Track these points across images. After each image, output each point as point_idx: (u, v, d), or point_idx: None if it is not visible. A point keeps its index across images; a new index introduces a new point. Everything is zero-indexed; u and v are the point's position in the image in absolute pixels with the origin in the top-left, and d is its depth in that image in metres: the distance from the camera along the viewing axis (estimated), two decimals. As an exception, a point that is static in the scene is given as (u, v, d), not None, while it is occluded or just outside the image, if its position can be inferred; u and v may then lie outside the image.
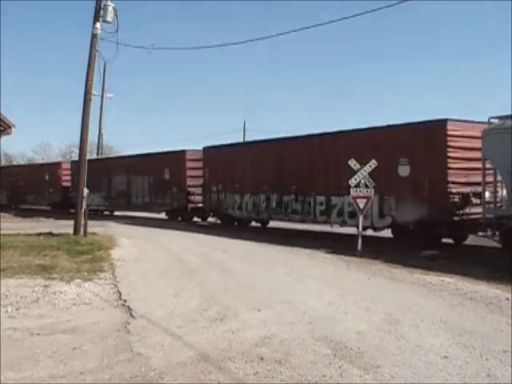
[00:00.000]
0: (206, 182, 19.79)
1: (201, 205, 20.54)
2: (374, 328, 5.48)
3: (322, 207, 15.10)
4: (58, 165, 30.77)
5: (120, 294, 7.16)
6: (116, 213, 26.92)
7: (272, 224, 18.66)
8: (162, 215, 22.82)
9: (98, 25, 14.18)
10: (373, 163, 11.77)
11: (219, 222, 19.95)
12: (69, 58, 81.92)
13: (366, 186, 11.82)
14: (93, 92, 15.05)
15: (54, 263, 9.25)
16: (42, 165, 35.00)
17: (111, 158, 31.61)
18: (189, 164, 20.98)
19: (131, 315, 6.03)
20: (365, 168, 11.84)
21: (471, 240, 12.44)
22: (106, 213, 27.05)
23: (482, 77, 68.65)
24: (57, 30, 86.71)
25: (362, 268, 9.43)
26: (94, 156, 32.93)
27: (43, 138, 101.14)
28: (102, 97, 32.31)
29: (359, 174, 11.82)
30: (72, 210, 27.21)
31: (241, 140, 34.44)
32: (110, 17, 13.96)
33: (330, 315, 6.01)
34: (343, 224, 14.64)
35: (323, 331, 5.33)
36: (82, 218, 13.96)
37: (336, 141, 14.62)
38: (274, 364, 4.40)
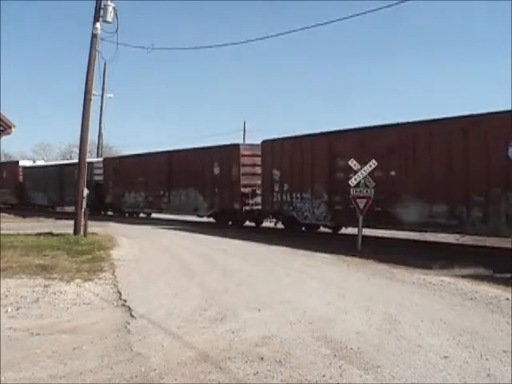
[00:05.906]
0: (110, 183, 25.82)
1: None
2: (374, 328, 5.48)
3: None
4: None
5: (120, 293, 7.14)
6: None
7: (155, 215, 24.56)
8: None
9: (98, 25, 14.16)
10: (373, 163, 11.82)
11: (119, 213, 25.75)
12: (69, 57, 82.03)
13: (366, 186, 11.84)
14: (93, 92, 15.04)
15: (54, 263, 9.24)
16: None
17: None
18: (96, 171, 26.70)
19: (131, 315, 6.02)
20: (364, 168, 11.85)
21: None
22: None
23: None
24: (57, 29, 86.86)
25: (361, 268, 9.43)
26: (94, 156, 32.94)
27: (43, 138, 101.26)
28: (102, 97, 32.37)
29: (359, 173, 11.83)
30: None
31: (241, 140, 35.65)
32: (109, 17, 13.95)
33: (330, 315, 6.00)
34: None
35: (323, 331, 5.33)
36: (82, 218, 13.97)
37: (174, 156, 21.59)
38: (274, 364, 4.40)
